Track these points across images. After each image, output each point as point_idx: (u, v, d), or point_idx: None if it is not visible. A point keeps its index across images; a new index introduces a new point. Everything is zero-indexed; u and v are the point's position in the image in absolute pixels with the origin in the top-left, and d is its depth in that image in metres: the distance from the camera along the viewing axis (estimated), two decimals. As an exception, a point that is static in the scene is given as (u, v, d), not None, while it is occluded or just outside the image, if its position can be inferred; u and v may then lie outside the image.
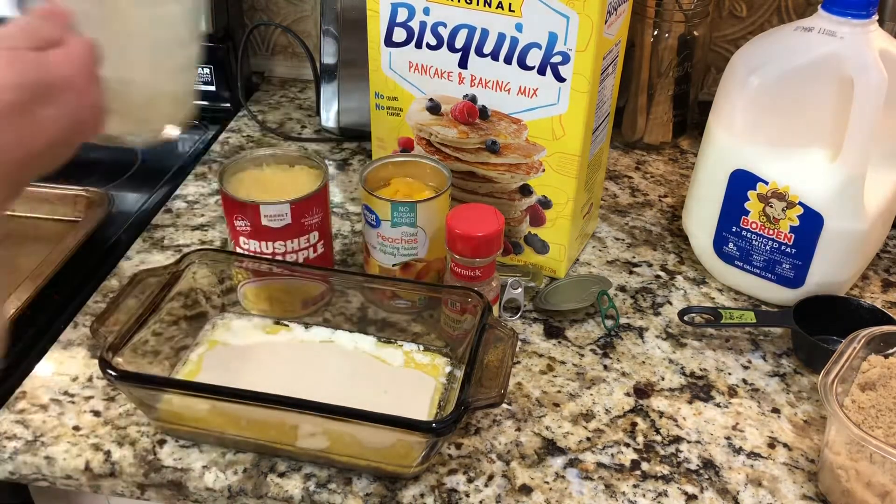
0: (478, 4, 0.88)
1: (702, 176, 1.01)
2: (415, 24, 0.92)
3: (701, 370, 0.90)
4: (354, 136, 1.31)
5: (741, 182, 0.95)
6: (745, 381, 0.89)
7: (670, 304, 0.99)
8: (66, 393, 0.86)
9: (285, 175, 0.95)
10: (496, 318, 0.83)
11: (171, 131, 0.72)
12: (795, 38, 0.90)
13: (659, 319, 0.97)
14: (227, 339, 0.89)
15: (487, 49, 0.90)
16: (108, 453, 0.80)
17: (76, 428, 0.82)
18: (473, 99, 0.93)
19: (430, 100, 0.96)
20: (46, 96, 0.58)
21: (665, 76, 1.26)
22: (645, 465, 0.80)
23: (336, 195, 1.19)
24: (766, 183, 0.93)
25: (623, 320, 0.97)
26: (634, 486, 0.78)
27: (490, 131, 0.95)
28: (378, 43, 0.95)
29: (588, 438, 0.82)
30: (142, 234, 1.09)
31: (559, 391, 0.87)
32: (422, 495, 0.76)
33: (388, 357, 0.88)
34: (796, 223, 0.93)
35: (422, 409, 0.81)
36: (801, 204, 0.92)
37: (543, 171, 0.95)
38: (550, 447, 0.81)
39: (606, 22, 0.86)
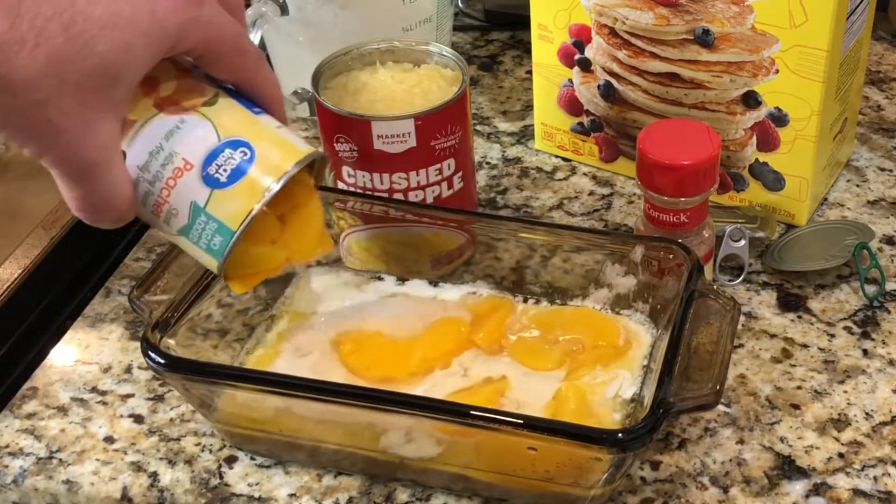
0: None
1: None
2: None
3: None
4: (506, 23, 1.32)
5: None
6: None
7: (960, 262, 0.99)
8: (94, 389, 0.88)
9: (407, 78, 0.95)
10: (709, 283, 0.82)
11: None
12: None
13: (943, 284, 0.97)
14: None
15: None
16: (154, 476, 0.81)
17: (109, 439, 0.84)
18: (678, -32, 0.95)
19: (616, -31, 0.97)
20: None
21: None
22: (926, 495, 0.79)
23: (481, 107, 1.18)
24: None
25: (891, 285, 0.95)
26: (910, 525, 0.78)
27: (701, 15, 0.94)
28: None
29: (841, 455, 0.81)
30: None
31: (799, 387, 0.87)
32: (604, 535, 0.77)
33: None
34: None
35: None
36: None
37: (777, 72, 0.94)
38: (787, 467, 0.81)
39: None
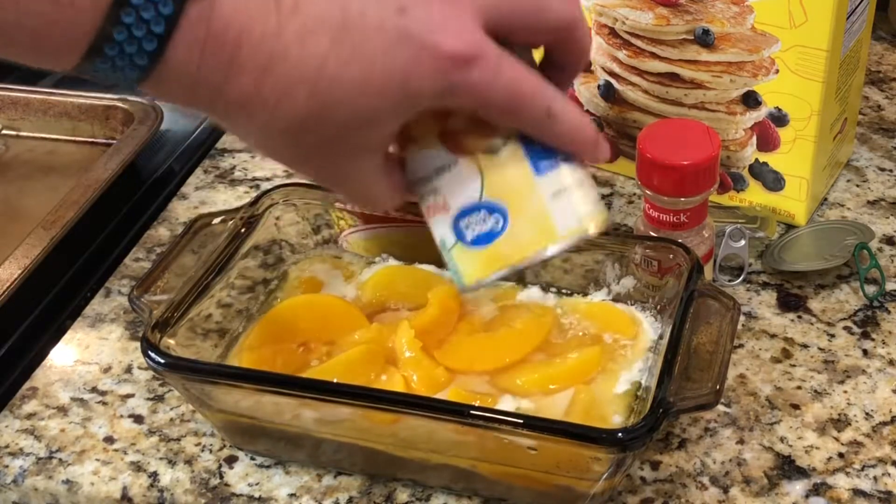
0: None
1: None
2: None
3: None
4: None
5: None
6: None
7: (959, 262, 0.98)
8: (94, 389, 0.88)
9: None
10: (709, 283, 0.82)
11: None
12: None
13: (943, 285, 0.96)
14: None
15: None
16: (154, 476, 0.81)
17: (109, 440, 0.84)
18: (677, -32, 0.95)
19: (615, -29, 0.97)
20: None
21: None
22: (925, 495, 0.79)
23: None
24: None
25: (891, 285, 0.95)
26: (910, 524, 0.77)
27: (701, 15, 0.94)
28: None
29: (841, 455, 0.81)
30: (202, 163, 1.11)
31: (799, 387, 0.86)
32: (604, 534, 0.77)
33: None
34: None
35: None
36: None
37: (777, 72, 0.94)
38: (787, 467, 0.80)
39: None
